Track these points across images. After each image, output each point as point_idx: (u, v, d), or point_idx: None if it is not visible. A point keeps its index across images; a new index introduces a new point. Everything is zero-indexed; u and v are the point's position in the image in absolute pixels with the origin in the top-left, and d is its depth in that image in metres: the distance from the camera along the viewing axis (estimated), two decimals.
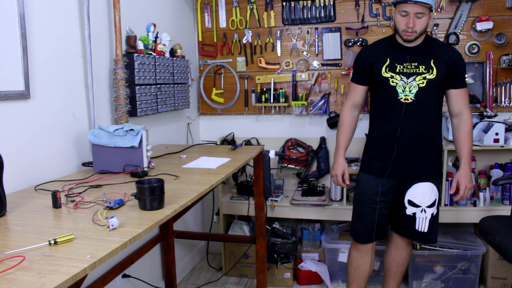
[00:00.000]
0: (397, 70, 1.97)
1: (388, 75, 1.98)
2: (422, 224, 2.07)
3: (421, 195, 2.05)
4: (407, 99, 1.96)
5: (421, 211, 2.06)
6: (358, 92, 2.14)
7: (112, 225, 1.06)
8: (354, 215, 2.20)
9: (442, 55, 1.97)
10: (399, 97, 1.97)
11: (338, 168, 2.16)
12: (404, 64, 1.97)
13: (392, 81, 1.97)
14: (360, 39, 2.86)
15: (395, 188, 2.09)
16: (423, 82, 1.95)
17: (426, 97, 1.97)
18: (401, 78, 1.96)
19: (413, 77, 1.95)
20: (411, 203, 2.06)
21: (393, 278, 2.30)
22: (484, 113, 2.62)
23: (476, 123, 2.57)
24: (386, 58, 1.99)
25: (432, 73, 1.94)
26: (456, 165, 2.72)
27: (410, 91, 1.96)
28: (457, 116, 2.05)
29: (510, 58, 2.63)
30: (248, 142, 3.11)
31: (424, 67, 1.95)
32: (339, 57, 2.94)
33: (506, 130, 2.48)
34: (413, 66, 1.96)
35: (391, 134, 2.01)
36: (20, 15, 1.52)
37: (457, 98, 2.03)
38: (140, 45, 2.23)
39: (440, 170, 2.16)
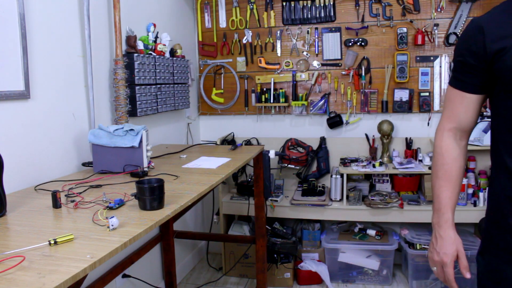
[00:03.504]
0: None
1: None
2: None
3: None
4: None
5: None
6: (466, 105, 1.16)
7: (112, 225, 1.06)
8: None
9: None
10: None
11: (447, 247, 1.15)
12: None
13: None
14: (360, 39, 2.86)
15: None
16: None
17: None
18: None
19: None
20: None
21: None
22: (484, 113, 2.62)
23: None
24: None
25: None
26: None
27: None
28: None
29: None
30: (248, 142, 3.11)
31: None
32: (339, 57, 2.94)
33: None
34: None
35: None
36: (20, 15, 1.52)
37: None
38: (140, 45, 2.23)
39: None
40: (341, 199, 2.74)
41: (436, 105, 2.83)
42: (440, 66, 2.80)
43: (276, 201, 2.81)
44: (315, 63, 2.98)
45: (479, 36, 1.07)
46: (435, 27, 2.77)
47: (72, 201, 1.31)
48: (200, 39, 3.14)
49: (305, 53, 2.99)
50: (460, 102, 1.17)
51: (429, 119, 2.87)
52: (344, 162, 2.81)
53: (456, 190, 1.18)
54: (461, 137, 1.20)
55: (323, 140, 2.99)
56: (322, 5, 2.89)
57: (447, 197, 1.17)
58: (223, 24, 3.09)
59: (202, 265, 3.16)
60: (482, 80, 1.11)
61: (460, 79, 1.15)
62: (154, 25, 2.38)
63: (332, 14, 2.90)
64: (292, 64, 3.02)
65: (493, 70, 1.07)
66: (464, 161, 1.21)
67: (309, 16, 2.93)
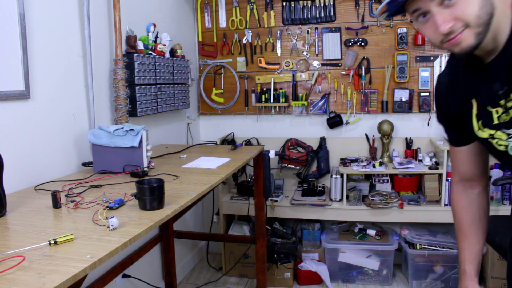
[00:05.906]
0: (495, 122, 0.98)
1: (485, 134, 1.02)
2: None
3: None
4: None
5: None
6: (460, 157, 1.18)
7: (112, 225, 1.06)
8: None
9: None
10: None
11: None
12: (501, 103, 0.95)
13: (498, 144, 1.00)
14: (360, 39, 2.86)
15: None
16: None
17: None
18: (509, 135, 0.97)
19: None
20: None
21: None
22: None
23: None
24: (471, 100, 1.04)
25: None
26: None
27: None
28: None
29: None
30: (248, 142, 3.11)
31: None
32: (339, 57, 2.94)
33: None
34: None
35: None
36: (20, 15, 1.52)
37: None
38: (140, 45, 2.23)
39: None
40: (341, 199, 2.74)
41: None
42: (440, 66, 2.80)
43: (276, 201, 2.81)
44: (315, 63, 2.98)
45: (441, 100, 1.14)
46: None
47: (72, 201, 1.31)
48: (200, 39, 3.14)
49: (305, 53, 2.99)
50: (455, 156, 1.20)
51: (429, 119, 2.87)
52: (344, 162, 2.81)
53: (472, 240, 1.16)
54: (471, 186, 1.19)
55: (323, 140, 2.99)
56: (322, 5, 2.89)
57: (462, 248, 1.18)
58: (223, 24, 3.09)
59: (202, 265, 3.16)
60: (459, 135, 1.14)
61: (447, 135, 1.21)
62: (154, 25, 2.38)
63: (332, 14, 2.90)
64: (292, 64, 3.02)
65: (463, 128, 1.10)
66: (480, 209, 1.19)
67: (309, 16, 2.93)
